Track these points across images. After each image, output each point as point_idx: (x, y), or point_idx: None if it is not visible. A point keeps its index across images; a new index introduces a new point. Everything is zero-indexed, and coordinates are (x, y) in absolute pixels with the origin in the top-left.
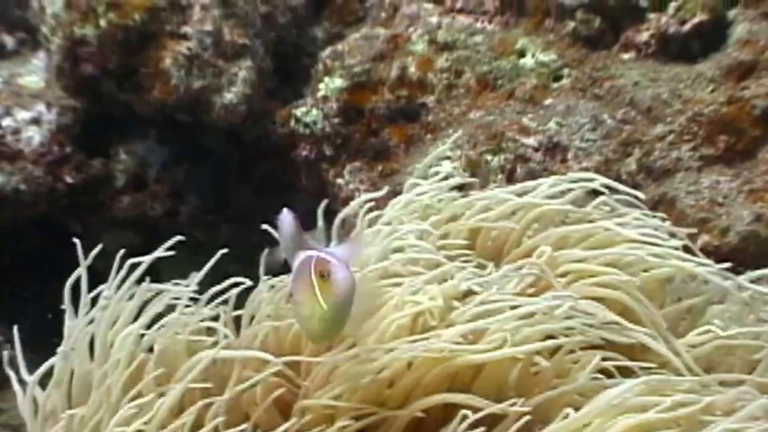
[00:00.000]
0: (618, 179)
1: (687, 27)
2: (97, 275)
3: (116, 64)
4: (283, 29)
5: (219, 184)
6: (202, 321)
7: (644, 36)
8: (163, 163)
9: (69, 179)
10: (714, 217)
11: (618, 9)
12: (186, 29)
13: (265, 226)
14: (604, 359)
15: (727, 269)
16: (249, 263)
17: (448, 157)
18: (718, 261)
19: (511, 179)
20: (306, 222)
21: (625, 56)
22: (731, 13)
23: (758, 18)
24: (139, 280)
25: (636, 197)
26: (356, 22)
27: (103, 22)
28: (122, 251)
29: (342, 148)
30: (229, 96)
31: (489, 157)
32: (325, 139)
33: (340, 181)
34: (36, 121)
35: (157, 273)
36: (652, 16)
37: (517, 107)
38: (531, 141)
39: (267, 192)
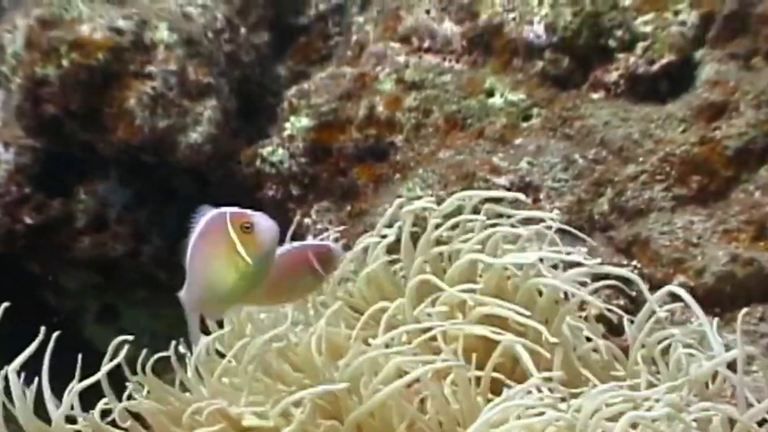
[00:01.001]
0: (591, 219)
1: (655, 67)
2: (56, 314)
3: (79, 104)
4: (247, 68)
5: (184, 224)
6: None
7: (613, 76)
8: (125, 204)
9: (28, 220)
10: (689, 257)
11: (586, 48)
12: (150, 69)
13: None
14: None
15: None
16: None
17: (420, 197)
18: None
19: None
20: None
21: (595, 96)
22: (698, 54)
23: (725, 58)
24: (98, 321)
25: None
26: (320, 60)
27: (65, 62)
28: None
29: (309, 188)
30: (195, 135)
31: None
32: (292, 178)
33: (307, 221)
34: None
35: (116, 313)
36: (620, 56)
37: (487, 146)
38: (502, 180)
39: None
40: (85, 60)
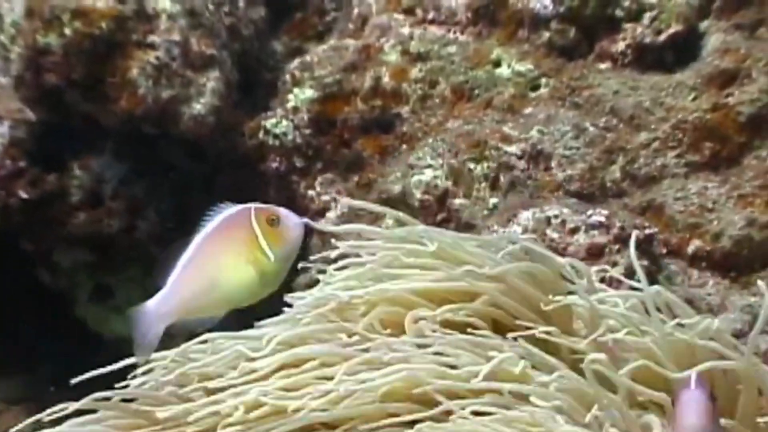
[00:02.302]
0: (603, 187)
1: (662, 37)
2: (49, 292)
3: (82, 74)
4: (246, 41)
5: (180, 199)
6: None
7: (620, 46)
8: (121, 179)
9: (23, 194)
10: (705, 222)
11: (593, 19)
12: (153, 38)
13: None
14: None
15: None
16: None
17: (430, 166)
18: (712, 265)
19: (495, 187)
20: None
21: (602, 66)
22: (703, 25)
23: (730, 29)
24: (93, 299)
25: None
26: (316, 36)
27: (68, 31)
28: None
29: (313, 160)
30: (198, 107)
31: (472, 165)
32: (296, 150)
33: (311, 192)
34: None
35: (110, 291)
36: (627, 26)
37: (495, 116)
38: (514, 149)
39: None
40: (89, 29)
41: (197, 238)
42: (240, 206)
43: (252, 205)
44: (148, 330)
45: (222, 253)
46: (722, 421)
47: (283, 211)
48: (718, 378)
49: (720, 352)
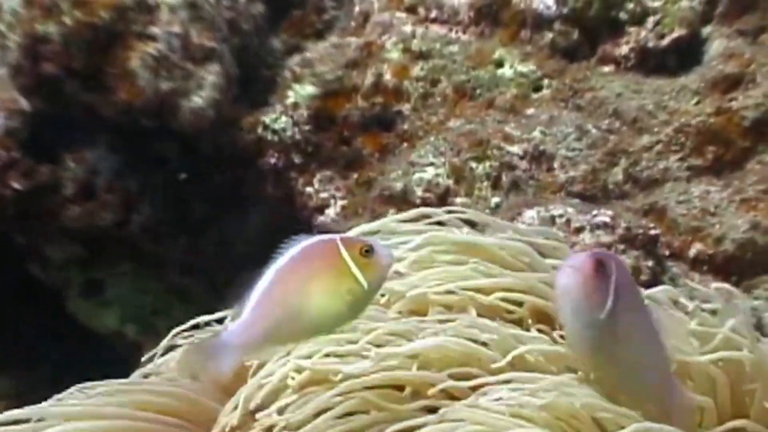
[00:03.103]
0: (605, 189)
1: (666, 41)
2: (40, 285)
3: (81, 63)
4: (246, 36)
5: (175, 193)
6: None
7: (623, 49)
8: (115, 172)
9: (16, 185)
10: (707, 225)
11: (596, 21)
12: (154, 30)
13: None
14: None
15: None
16: (203, 276)
17: (432, 164)
18: (714, 269)
19: (497, 186)
20: (269, 233)
21: (605, 69)
22: (705, 30)
23: (734, 34)
24: (83, 294)
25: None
26: (315, 34)
27: (67, 20)
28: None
29: (312, 156)
30: (198, 100)
31: (474, 164)
32: (295, 146)
33: (309, 189)
34: None
35: (101, 286)
36: (630, 29)
37: (498, 116)
38: (516, 149)
39: (226, 202)
40: (89, 18)
41: (275, 266)
42: (323, 236)
43: (337, 236)
44: (225, 362)
45: (309, 280)
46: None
47: (373, 242)
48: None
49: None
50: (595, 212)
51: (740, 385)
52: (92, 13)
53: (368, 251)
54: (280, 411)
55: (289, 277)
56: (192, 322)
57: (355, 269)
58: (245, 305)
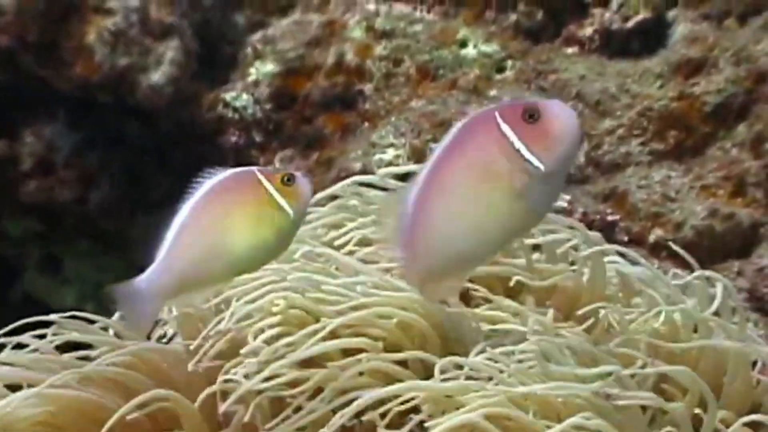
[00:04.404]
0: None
1: (630, 24)
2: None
3: (35, 36)
4: (207, 12)
5: (135, 170)
6: None
7: (588, 31)
8: (74, 148)
9: None
10: (667, 211)
11: (561, 2)
12: (111, 4)
13: None
14: None
15: None
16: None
17: (392, 145)
18: (673, 255)
19: None
20: None
21: (569, 50)
22: (670, 14)
23: (698, 18)
24: (40, 271)
25: None
26: (279, 10)
27: None
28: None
29: (273, 135)
30: (156, 76)
31: (434, 146)
32: (256, 125)
33: (270, 168)
34: None
35: (58, 263)
36: (595, 11)
37: (460, 97)
38: None
39: (187, 180)
40: None
41: (190, 203)
42: (239, 168)
43: (254, 168)
44: (142, 311)
45: (229, 213)
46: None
47: (293, 171)
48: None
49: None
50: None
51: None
52: None
53: (289, 179)
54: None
55: (207, 211)
56: None
57: (278, 197)
58: (160, 247)
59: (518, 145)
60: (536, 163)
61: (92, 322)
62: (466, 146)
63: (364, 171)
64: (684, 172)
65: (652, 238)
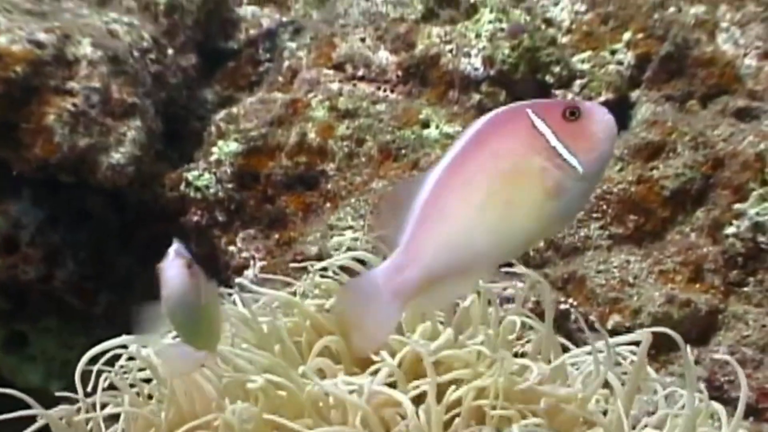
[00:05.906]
0: (525, 255)
1: None
2: None
3: None
4: (173, 90)
5: (99, 249)
6: None
7: None
8: (38, 225)
9: None
10: (625, 297)
11: (523, 83)
12: (72, 85)
13: None
14: None
15: None
16: (127, 332)
17: (351, 227)
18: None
19: None
20: None
21: None
22: (634, 94)
23: (661, 99)
24: (5, 349)
25: None
26: (249, 86)
27: None
28: None
29: (235, 215)
30: (117, 156)
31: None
32: (218, 204)
33: (232, 248)
34: None
35: (24, 340)
36: (557, 92)
37: None
38: None
39: (150, 258)
40: (3, 72)
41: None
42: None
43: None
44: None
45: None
46: None
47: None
48: None
49: None
50: (505, 285)
51: None
52: (6, 68)
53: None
54: None
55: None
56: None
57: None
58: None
59: (555, 143)
60: (574, 162)
61: None
62: (492, 140)
63: (320, 255)
64: (643, 257)
65: (610, 324)
